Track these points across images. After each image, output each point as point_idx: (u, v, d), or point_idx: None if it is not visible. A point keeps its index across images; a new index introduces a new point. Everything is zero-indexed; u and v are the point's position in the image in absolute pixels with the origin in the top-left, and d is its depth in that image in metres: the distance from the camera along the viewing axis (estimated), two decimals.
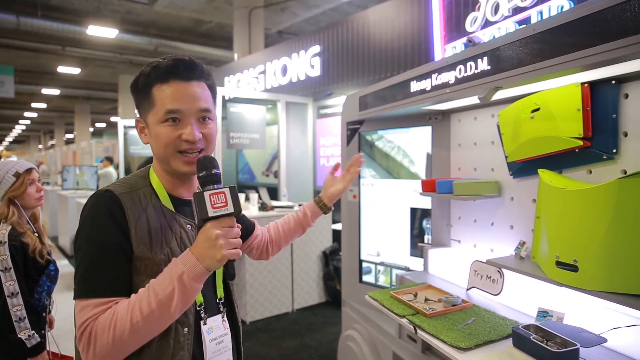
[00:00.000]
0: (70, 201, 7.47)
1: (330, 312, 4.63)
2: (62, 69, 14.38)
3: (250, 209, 4.75)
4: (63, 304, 2.67)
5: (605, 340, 1.39)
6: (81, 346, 0.90)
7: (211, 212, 0.93)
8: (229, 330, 1.18)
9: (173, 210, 1.09)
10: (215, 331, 1.13)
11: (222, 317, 1.17)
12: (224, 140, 5.64)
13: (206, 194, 0.94)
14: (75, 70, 14.69)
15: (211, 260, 0.93)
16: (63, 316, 2.87)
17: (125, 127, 7.85)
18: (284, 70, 7.06)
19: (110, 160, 9.63)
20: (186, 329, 1.06)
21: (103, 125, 29.50)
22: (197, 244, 0.94)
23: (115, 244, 0.97)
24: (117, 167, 9.17)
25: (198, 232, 0.96)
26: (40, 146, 37.91)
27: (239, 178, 7.44)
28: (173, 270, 0.93)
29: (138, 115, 1.11)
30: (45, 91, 17.97)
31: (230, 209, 0.96)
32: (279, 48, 7.48)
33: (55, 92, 18.14)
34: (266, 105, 5.81)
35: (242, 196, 5.07)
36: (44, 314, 2.03)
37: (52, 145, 31.36)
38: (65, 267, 6.74)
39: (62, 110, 23.93)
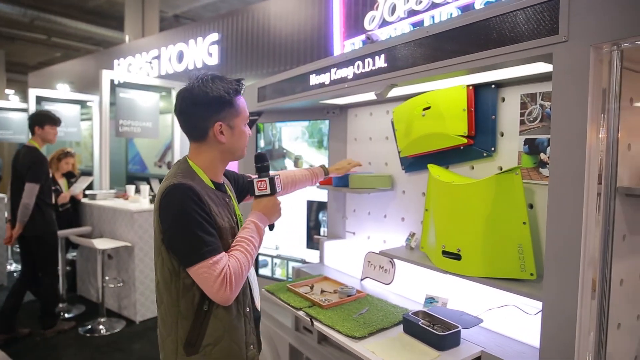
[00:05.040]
0: None
1: None
2: None
3: (142, 201, 4.45)
4: None
5: (481, 321, 1.52)
6: (223, 288, 1.21)
7: (277, 189, 1.47)
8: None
9: (215, 189, 1.41)
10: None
11: None
12: (112, 128, 5.21)
13: (276, 178, 1.47)
14: None
15: (276, 218, 1.48)
16: None
17: None
18: (180, 57, 6.72)
19: None
20: None
21: None
22: (268, 207, 1.45)
23: (211, 218, 1.29)
24: None
25: (266, 201, 1.45)
26: None
27: (129, 169, 6.93)
28: (258, 226, 1.39)
29: (217, 121, 1.35)
30: None
31: (281, 190, 1.53)
32: (175, 33, 7.09)
33: None
34: (160, 92, 5.48)
35: (132, 187, 4.75)
36: None
37: None
38: None
39: None
